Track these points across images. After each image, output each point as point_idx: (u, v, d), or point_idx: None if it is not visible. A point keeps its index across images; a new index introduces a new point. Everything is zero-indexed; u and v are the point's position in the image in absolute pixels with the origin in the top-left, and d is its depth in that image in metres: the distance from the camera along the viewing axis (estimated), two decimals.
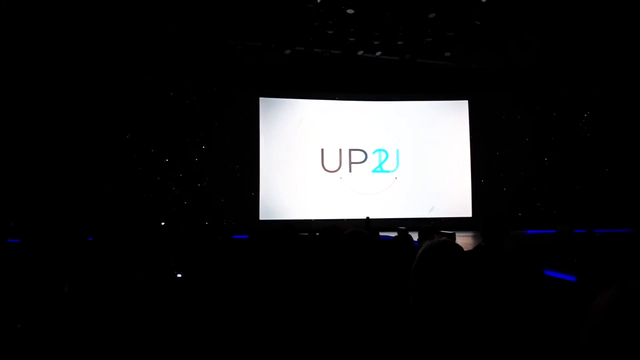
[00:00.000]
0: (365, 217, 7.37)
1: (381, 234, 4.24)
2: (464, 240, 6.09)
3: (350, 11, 6.77)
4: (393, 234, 4.26)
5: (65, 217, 6.98)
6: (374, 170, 8.81)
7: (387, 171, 8.83)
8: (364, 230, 1.73)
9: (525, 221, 8.26)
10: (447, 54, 8.18)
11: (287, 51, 7.89)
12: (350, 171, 8.73)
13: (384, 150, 8.83)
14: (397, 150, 8.85)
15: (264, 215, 8.25)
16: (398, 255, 2.65)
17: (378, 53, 8.10)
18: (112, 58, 7.37)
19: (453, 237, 4.58)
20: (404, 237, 2.80)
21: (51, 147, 7.12)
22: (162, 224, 7.23)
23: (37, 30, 6.65)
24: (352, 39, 7.61)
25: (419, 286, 1.12)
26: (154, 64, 7.62)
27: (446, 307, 1.08)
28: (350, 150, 8.74)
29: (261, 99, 8.39)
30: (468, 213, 8.60)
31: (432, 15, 6.93)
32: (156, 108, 7.68)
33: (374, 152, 8.81)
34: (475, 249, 2.23)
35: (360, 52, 8.07)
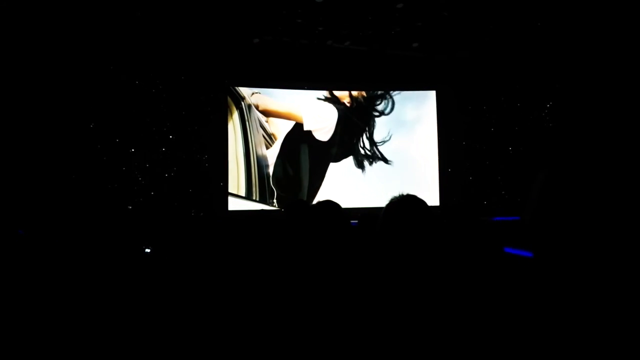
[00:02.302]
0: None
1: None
2: None
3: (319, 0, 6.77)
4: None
5: (26, 209, 6.77)
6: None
7: None
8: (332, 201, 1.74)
9: (491, 209, 8.47)
10: (415, 44, 8.29)
11: (256, 40, 7.83)
12: None
13: None
14: None
15: (233, 205, 8.20)
16: (367, 233, 2.69)
17: (347, 43, 8.13)
18: (75, 45, 7.16)
19: None
20: (370, 215, 2.84)
21: (10, 136, 6.87)
22: (130, 207, 7.09)
23: None
24: (320, 29, 7.61)
25: (386, 238, 1.14)
26: (118, 51, 7.45)
27: (413, 258, 1.10)
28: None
29: (229, 88, 8.30)
30: (435, 202, 8.74)
31: (400, 5, 7.00)
32: (121, 97, 7.51)
33: None
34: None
35: (329, 42, 8.08)
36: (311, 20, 7.34)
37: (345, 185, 8.72)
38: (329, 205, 1.79)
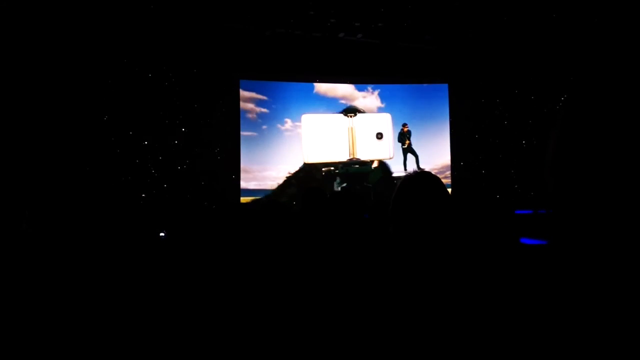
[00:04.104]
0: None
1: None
2: None
3: None
4: None
5: (41, 201, 6.84)
6: None
7: None
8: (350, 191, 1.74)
9: (505, 202, 8.40)
10: (427, 37, 8.22)
11: (267, 33, 7.83)
12: None
13: None
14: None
15: (245, 199, 8.24)
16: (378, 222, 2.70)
17: (359, 35, 8.09)
18: (89, 39, 7.21)
19: None
20: (381, 204, 2.83)
21: (26, 128, 6.95)
22: (143, 195, 7.13)
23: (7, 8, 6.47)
24: (332, 21, 7.59)
25: (398, 215, 1.14)
26: (131, 44, 7.48)
27: (425, 235, 1.10)
28: None
29: (241, 82, 8.32)
30: None
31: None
32: (134, 90, 7.56)
33: None
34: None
35: (341, 35, 8.06)
36: (323, 12, 7.32)
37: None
38: (347, 194, 1.79)
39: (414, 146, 8.85)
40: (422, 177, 1.15)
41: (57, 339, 2.03)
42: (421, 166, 8.75)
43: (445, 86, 9.03)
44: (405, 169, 8.69)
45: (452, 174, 8.86)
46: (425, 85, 9.02)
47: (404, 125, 8.77)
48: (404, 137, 8.75)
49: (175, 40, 7.65)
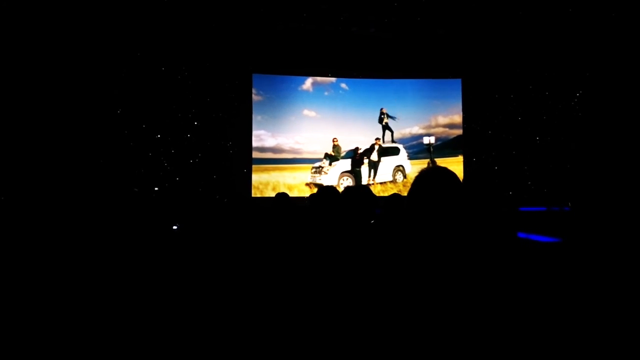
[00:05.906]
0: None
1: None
2: None
3: None
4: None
5: (53, 193, 6.92)
6: None
7: None
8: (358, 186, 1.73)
9: (517, 199, 8.32)
10: (441, 31, 8.15)
11: (280, 27, 7.82)
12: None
13: None
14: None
15: (257, 192, 8.26)
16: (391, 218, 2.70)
17: (372, 30, 8.05)
18: (102, 32, 7.25)
19: None
20: (394, 201, 2.82)
21: (40, 122, 7.02)
22: (156, 189, 7.17)
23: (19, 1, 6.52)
24: (345, 15, 7.55)
25: (414, 208, 1.13)
26: (144, 38, 7.51)
27: (440, 229, 1.09)
28: None
29: (254, 75, 8.33)
30: None
31: None
32: (147, 83, 7.59)
33: None
34: None
35: (354, 29, 8.02)
36: (336, 6, 7.29)
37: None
38: (359, 189, 1.79)
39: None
40: (438, 173, 1.14)
41: (69, 325, 2.06)
42: (436, 163, 8.73)
43: (458, 81, 8.96)
44: (383, 141, 8.79)
45: (464, 169, 8.80)
46: (438, 80, 8.96)
47: (382, 109, 8.83)
48: (382, 116, 8.82)
49: (188, 34, 7.66)
